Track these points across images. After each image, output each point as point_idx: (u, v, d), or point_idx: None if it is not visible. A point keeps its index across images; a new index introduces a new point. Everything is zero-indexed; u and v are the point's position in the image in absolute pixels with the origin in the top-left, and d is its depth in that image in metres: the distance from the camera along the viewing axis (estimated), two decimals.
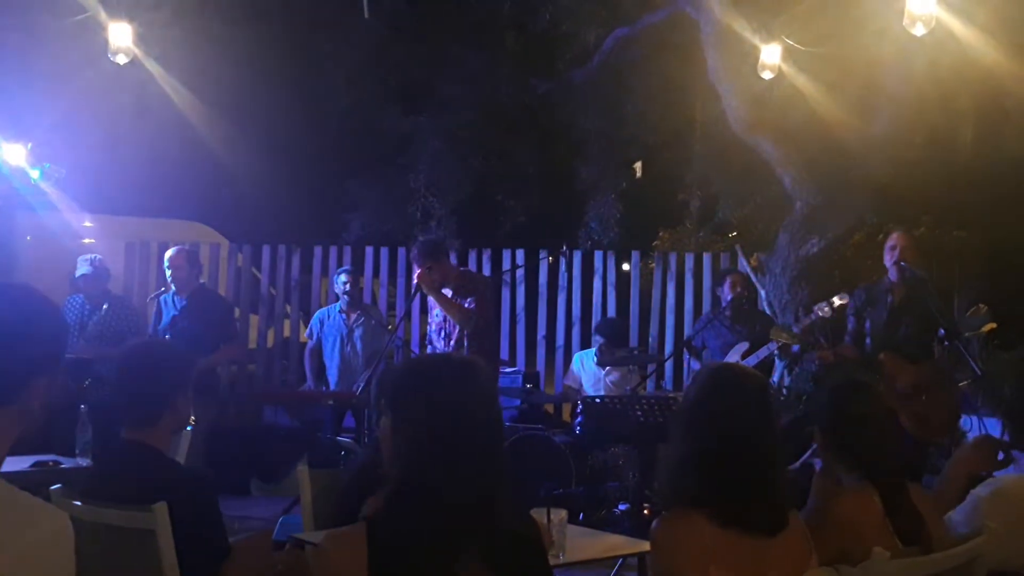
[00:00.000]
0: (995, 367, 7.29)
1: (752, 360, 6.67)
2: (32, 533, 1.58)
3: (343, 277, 7.88)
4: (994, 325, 7.63)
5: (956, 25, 6.37)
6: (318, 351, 8.01)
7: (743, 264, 9.02)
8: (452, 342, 6.30)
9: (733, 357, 6.77)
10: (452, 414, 2.15)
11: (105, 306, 7.06)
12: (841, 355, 6.16)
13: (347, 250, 9.62)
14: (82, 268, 7.05)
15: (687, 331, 9.14)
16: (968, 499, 3.20)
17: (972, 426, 6.78)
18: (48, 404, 1.74)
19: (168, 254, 7.12)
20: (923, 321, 5.99)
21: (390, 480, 2.16)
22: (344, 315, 7.90)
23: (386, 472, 2.19)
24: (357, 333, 7.86)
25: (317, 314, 8.13)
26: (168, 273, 7.00)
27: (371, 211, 11.07)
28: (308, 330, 8.15)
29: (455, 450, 2.13)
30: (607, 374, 7.95)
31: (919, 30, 6.04)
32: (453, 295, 6.32)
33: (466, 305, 6.26)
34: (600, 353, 7.90)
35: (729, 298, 7.16)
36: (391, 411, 2.23)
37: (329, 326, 7.95)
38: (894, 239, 6.17)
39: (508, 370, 8.71)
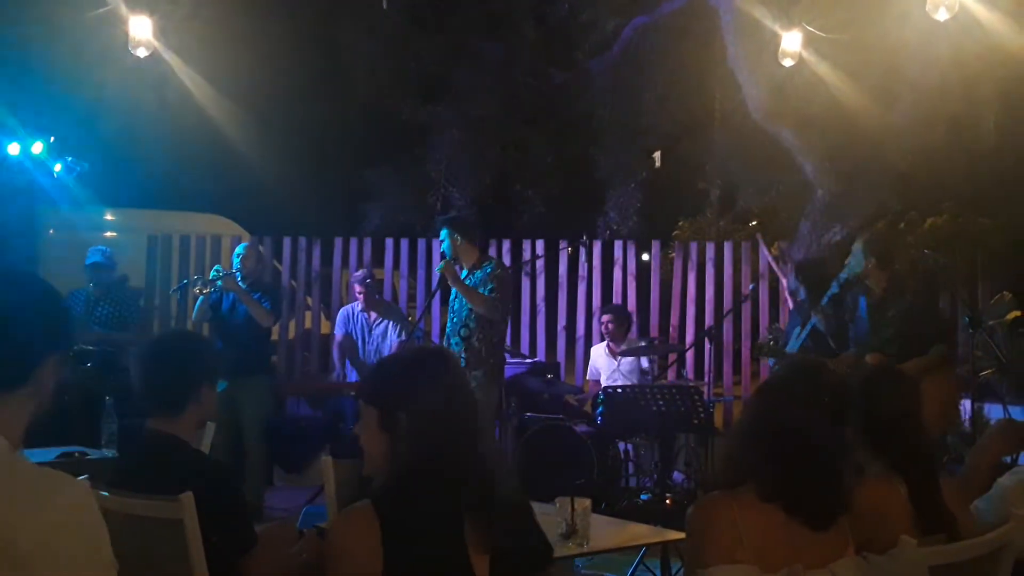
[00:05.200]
0: (1020, 355, 7.25)
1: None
2: (57, 505, 1.60)
3: (357, 287, 8.02)
4: (1018, 313, 7.59)
5: (980, 10, 6.32)
6: (344, 345, 8.08)
7: (764, 253, 8.99)
8: (467, 334, 6.31)
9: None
10: (454, 400, 2.36)
11: (98, 287, 7.27)
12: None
13: (367, 242, 9.63)
14: (93, 256, 7.29)
15: (708, 320, 9.12)
16: (994, 488, 3.18)
17: (997, 415, 6.73)
18: (58, 385, 1.77)
19: (238, 249, 7.41)
20: (904, 319, 5.98)
21: (396, 463, 2.31)
22: (365, 314, 7.99)
23: (381, 457, 2.36)
24: (377, 331, 7.94)
25: (342, 311, 8.25)
26: (236, 260, 7.23)
27: (390, 202, 11.07)
28: (336, 327, 8.24)
29: (462, 432, 2.34)
30: (620, 364, 7.95)
31: (942, 15, 5.99)
32: (469, 274, 6.33)
33: (481, 288, 6.25)
34: (609, 332, 7.93)
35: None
36: (394, 404, 2.34)
37: (353, 324, 8.04)
38: None
39: (529, 360, 8.70)
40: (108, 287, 7.32)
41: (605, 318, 8.13)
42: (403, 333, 7.90)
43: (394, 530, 2.20)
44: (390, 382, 2.41)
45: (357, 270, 8.61)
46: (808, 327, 6.49)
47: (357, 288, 8.04)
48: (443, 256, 6.42)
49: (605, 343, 8.15)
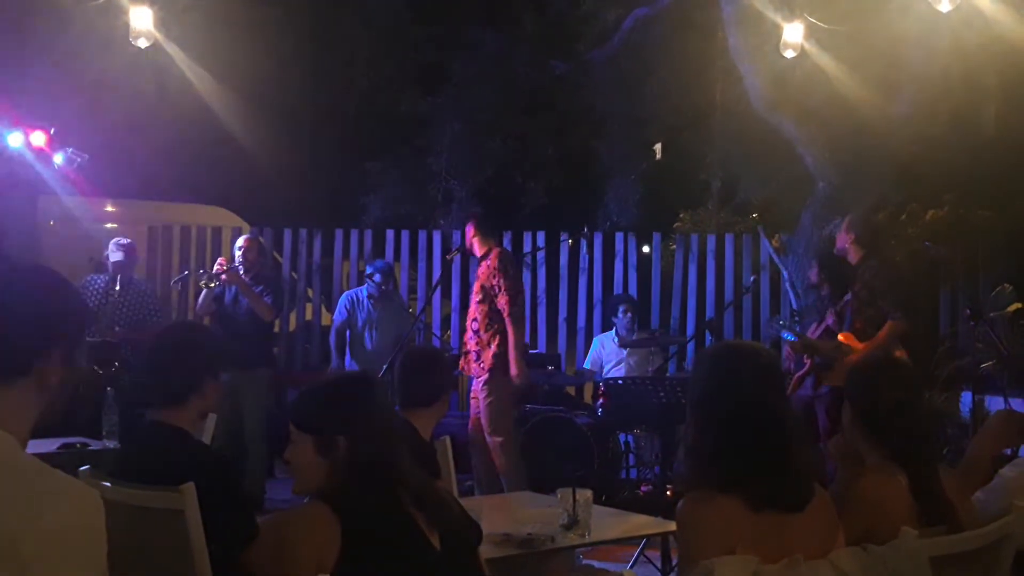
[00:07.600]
0: (1021, 347, 7.24)
1: None
2: (62, 509, 1.57)
3: (378, 277, 7.86)
4: (1020, 305, 7.57)
5: (982, 1, 6.31)
6: (343, 332, 8.00)
7: (766, 245, 8.98)
8: (476, 327, 6.28)
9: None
10: (386, 418, 2.61)
11: (121, 287, 7.15)
12: (810, 346, 6.22)
13: (368, 233, 9.62)
14: (116, 255, 7.12)
15: (709, 312, 9.12)
16: (995, 480, 3.17)
17: (998, 407, 6.73)
18: (69, 383, 1.75)
19: (239, 241, 7.44)
20: (864, 291, 6.03)
21: (339, 478, 2.47)
22: (372, 301, 7.88)
23: (317, 480, 2.52)
24: (379, 318, 7.88)
25: (345, 296, 8.09)
26: (237, 254, 7.27)
27: (391, 194, 11.08)
28: (337, 311, 8.10)
29: (396, 445, 2.55)
30: (629, 355, 7.95)
31: (945, 6, 5.99)
32: (477, 264, 6.32)
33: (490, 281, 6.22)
34: (627, 321, 7.93)
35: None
36: (332, 430, 2.49)
37: (359, 311, 7.95)
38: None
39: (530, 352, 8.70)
40: (127, 283, 7.15)
41: (625, 306, 8.12)
42: (405, 320, 7.88)
43: (352, 524, 2.34)
44: (326, 409, 2.53)
45: (358, 261, 8.57)
46: (823, 325, 6.49)
47: (377, 279, 7.91)
48: (458, 250, 6.35)
49: (613, 333, 8.14)
